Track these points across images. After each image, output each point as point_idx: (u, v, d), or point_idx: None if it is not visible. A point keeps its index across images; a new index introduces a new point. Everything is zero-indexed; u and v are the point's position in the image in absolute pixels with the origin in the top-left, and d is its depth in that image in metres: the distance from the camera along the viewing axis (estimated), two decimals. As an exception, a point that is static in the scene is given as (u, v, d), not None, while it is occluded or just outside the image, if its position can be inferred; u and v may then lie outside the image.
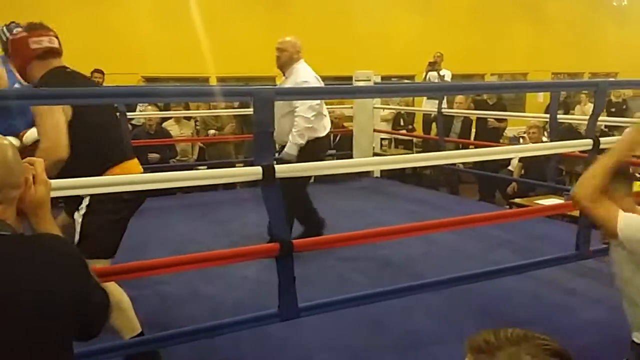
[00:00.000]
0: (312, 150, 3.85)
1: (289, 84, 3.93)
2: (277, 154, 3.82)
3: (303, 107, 3.79)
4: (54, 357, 1.12)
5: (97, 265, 2.01)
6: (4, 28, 2.90)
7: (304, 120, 3.81)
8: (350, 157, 6.43)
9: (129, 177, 2.14)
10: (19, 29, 2.45)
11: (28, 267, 1.10)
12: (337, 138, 7.22)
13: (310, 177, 4.09)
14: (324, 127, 4.04)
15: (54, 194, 1.48)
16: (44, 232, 1.28)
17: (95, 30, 7.93)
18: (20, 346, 1.06)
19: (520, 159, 5.77)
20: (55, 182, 1.43)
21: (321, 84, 3.95)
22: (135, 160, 2.48)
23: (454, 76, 8.34)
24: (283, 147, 3.92)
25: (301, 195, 4.01)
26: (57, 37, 2.43)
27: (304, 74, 3.90)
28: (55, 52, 2.39)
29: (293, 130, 3.82)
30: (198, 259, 2.16)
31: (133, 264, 2.22)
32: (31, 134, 2.66)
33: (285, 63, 3.98)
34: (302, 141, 3.83)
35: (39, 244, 1.19)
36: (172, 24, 8.59)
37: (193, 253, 2.29)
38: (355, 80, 6.34)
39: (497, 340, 0.95)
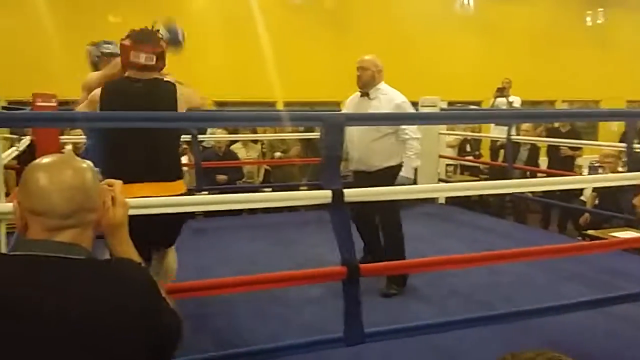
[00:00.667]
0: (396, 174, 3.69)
1: (383, 104, 3.70)
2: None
3: (412, 127, 3.66)
4: None
5: None
6: (93, 47, 3.10)
7: (417, 142, 3.68)
8: (414, 183, 6.37)
9: (215, 198, 2.22)
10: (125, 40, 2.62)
11: (100, 292, 1.11)
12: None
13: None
14: None
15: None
16: (119, 257, 1.29)
17: (170, 56, 8.29)
18: None
19: (594, 189, 5.54)
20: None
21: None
22: (147, 185, 2.45)
23: (523, 102, 8.16)
24: (360, 171, 3.80)
25: (399, 220, 3.83)
26: (155, 54, 2.60)
27: (395, 93, 3.75)
28: (148, 68, 2.58)
29: (408, 152, 3.66)
30: (266, 280, 2.19)
31: (202, 282, 2.28)
32: None
33: (367, 82, 3.78)
34: (418, 163, 3.72)
35: (113, 268, 1.20)
36: (241, 50, 8.86)
37: (257, 274, 2.33)
38: (421, 106, 6.30)
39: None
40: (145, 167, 2.49)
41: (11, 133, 5.52)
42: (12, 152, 4.00)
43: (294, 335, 2.55)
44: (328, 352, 2.44)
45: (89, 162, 1.23)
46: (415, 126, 3.67)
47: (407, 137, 3.65)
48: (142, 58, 2.54)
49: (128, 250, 1.33)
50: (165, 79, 2.69)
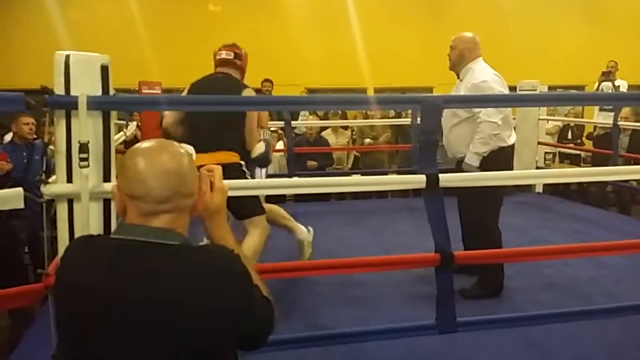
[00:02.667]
0: (495, 162, 3.20)
1: (462, 86, 3.36)
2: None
3: (490, 109, 3.19)
4: None
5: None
6: None
7: (490, 126, 3.18)
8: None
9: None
10: None
11: (190, 279, 1.10)
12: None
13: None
14: (510, 136, 3.38)
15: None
16: (213, 244, 1.27)
17: (265, 44, 8.48)
18: (172, 357, 1.08)
19: None
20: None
21: (504, 83, 3.31)
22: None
23: (630, 87, 7.62)
24: (455, 160, 3.45)
25: (496, 211, 3.38)
26: (233, 51, 3.23)
27: (480, 73, 3.30)
28: (223, 62, 3.21)
29: (476, 137, 3.22)
30: (359, 264, 2.21)
31: (293, 263, 2.35)
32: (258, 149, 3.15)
33: (455, 62, 3.42)
34: (486, 149, 3.21)
35: (205, 256, 1.17)
36: (332, 38, 8.90)
37: (346, 258, 2.36)
38: (520, 90, 6.05)
39: None
40: (205, 142, 2.92)
41: (119, 119, 5.88)
42: (121, 136, 4.25)
43: (380, 321, 2.55)
44: (414, 339, 2.42)
45: (187, 147, 1.23)
46: (494, 109, 3.19)
47: (479, 120, 3.21)
48: (222, 54, 3.20)
49: (225, 235, 1.32)
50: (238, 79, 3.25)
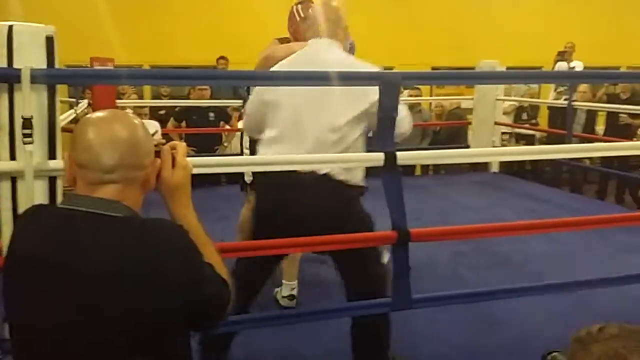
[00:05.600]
0: None
1: None
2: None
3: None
4: (158, 343, 1.11)
5: None
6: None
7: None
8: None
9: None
10: None
11: (133, 251, 1.08)
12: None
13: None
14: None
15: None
16: (161, 218, 1.20)
17: (225, 18, 8.30)
18: (116, 333, 1.06)
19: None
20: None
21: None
22: None
23: (586, 68, 7.80)
24: None
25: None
26: None
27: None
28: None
29: None
30: (314, 242, 2.19)
31: (250, 243, 2.28)
32: None
33: None
34: None
35: (148, 229, 1.13)
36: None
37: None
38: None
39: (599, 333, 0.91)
40: None
41: (69, 97, 5.70)
42: (71, 114, 4.12)
43: (338, 300, 2.55)
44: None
45: (151, 122, 1.19)
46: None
47: None
48: None
49: (187, 214, 1.28)
50: None
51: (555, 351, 1.16)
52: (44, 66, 1.98)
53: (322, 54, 2.32)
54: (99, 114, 1.18)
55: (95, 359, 1.08)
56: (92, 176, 1.13)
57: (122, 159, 1.12)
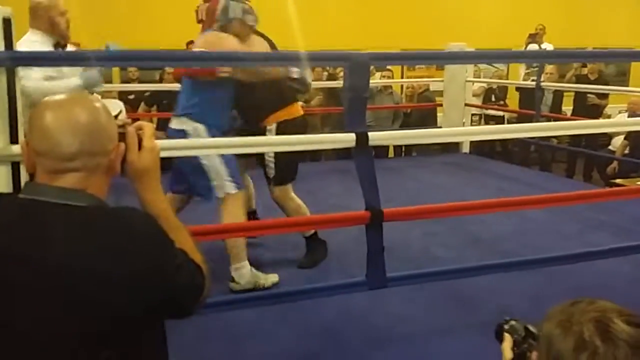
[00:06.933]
0: None
1: None
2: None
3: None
4: (130, 335, 1.06)
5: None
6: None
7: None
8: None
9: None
10: None
11: (99, 242, 1.03)
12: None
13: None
14: None
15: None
16: (128, 207, 1.13)
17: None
18: (85, 327, 1.01)
19: (626, 137, 5.40)
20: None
21: None
22: None
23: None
24: None
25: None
26: None
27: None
28: None
29: None
30: (291, 223, 2.19)
31: (222, 225, 2.29)
32: None
33: None
34: None
35: (112, 219, 1.08)
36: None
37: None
38: (447, 53, 6.14)
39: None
40: None
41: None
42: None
43: (314, 280, 2.56)
44: (349, 296, 2.45)
45: (113, 101, 1.13)
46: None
47: None
48: None
49: (156, 198, 1.22)
50: None
51: (512, 320, 1.16)
52: (2, 49, 1.91)
53: None
54: (58, 97, 1.10)
55: (64, 354, 1.03)
56: (52, 164, 1.06)
57: (83, 145, 1.05)
